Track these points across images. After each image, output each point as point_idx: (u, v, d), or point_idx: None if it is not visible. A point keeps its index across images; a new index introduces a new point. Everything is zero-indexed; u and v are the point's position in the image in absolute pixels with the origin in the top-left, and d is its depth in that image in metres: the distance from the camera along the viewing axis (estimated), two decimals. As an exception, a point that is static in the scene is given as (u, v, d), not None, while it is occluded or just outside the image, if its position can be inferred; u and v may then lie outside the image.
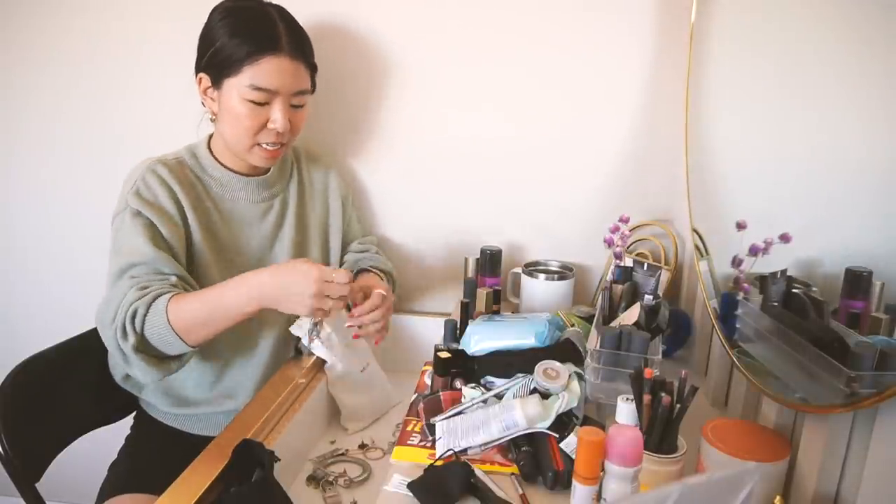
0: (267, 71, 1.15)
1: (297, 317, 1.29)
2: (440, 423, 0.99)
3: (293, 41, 1.18)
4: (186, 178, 1.22)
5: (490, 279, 1.41)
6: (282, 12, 1.21)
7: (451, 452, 0.93)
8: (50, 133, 1.60)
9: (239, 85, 1.15)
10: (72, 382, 1.25)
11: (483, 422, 0.96)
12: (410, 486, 0.88)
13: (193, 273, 1.20)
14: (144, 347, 1.07)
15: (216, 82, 1.18)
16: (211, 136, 1.28)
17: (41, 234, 1.67)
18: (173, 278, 1.10)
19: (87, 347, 1.26)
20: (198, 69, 1.21)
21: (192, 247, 1.20)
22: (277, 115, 1.18)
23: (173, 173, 1.19)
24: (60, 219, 1.65)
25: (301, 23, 1.23)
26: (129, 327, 1.04)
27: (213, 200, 1.25)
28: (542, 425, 0.95)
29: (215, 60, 1.17)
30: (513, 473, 0.93)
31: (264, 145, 1.21)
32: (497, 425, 0.95)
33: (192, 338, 1.06)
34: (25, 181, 1.64)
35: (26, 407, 1.15)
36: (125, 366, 1.10)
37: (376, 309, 1.20)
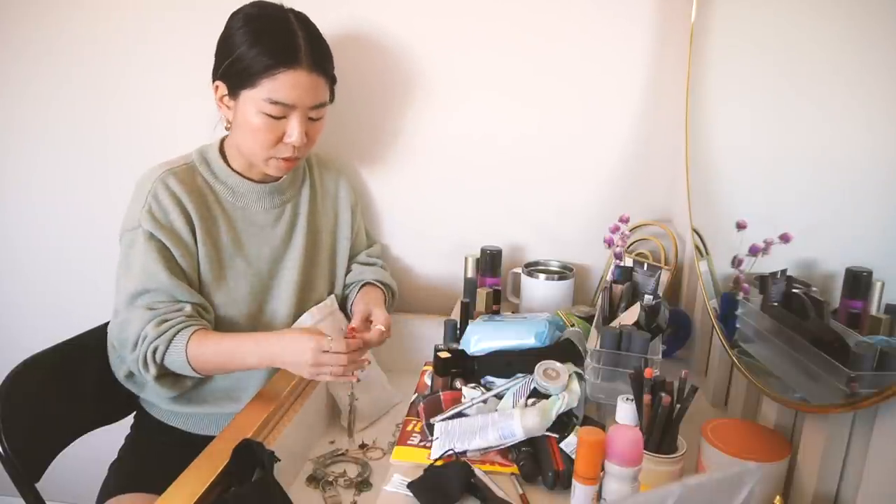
0: (285, 85, 1.13)
1: (299, 317, 1.29)
2: (438, 425, 0.99)
3: (313, 54, 1.15)
4: (197, 186, 1.22)
5: (490, 279, 1.41)
6: (303, 22, 1.18)
7: (450, 452, 0.93)
8: (47, 134, 1.60)
9: (256, 98, 1.13)
10: (72, 382, 1.24)
11: (481, 427, 0.96)
12: (410, 486, 0.88)
13: (208, 284, 1.21)
14: (164, 374, 1.16)
15: (233, 92, 1.16)
16: (223, 140, 1.27)
17: (38, 234, 1.67)
18: (188, 307, 1.15)
19: (87, 348, 1.26)
20: (215, 76, 1.19)
21: (203, 259, 1.20)
22: (294, 130, 1.16)
23: (184, 184, 1.18)
24: (57, 220, 1.65)
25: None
26: (150, 360, 1.12)
27: (223, 209, 1.24)
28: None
29: (233, 70, 1.15)
30: (513, 473, 0.92)
31: (280, 157, 1.20)
32: (494, 433, 0.94)
33: (205, 372, 1.16)
34: (22, 182, 1.64)
35: (26, 407, 1.15)
36: (145, 385, 1.22)
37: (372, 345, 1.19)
